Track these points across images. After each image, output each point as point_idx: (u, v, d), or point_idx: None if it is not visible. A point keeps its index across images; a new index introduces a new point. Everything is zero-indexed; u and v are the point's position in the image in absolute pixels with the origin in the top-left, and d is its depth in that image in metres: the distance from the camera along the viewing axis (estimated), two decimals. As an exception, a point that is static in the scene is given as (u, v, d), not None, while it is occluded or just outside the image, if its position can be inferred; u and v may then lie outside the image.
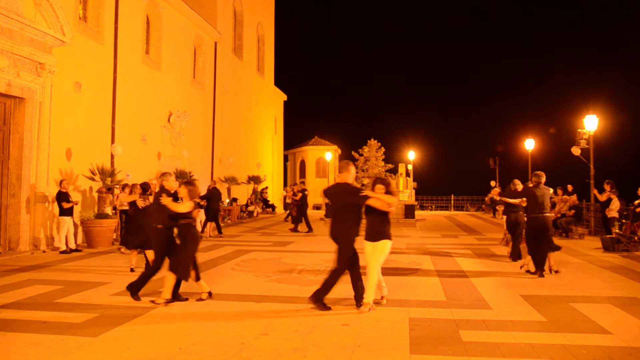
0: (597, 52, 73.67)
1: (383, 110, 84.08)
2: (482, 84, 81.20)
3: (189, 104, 19.69)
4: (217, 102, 22.76)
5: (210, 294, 6.37)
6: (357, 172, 26.49)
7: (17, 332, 4.96)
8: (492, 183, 25.65)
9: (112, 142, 14.41)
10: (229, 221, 19.62)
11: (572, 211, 14.32)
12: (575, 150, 15.07)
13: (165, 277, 6.11)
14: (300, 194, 16.07)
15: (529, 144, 23.79)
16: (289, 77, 66.68)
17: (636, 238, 11.00)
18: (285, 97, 35.74)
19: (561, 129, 33.68)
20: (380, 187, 5.80)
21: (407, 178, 34.71)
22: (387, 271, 8.43)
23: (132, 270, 8.24)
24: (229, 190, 22.44)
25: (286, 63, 77.12)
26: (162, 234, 6.39)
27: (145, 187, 8.67)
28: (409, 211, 22.27)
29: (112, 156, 14.18)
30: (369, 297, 5.73)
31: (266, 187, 26.63)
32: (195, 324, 5.25)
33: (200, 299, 6.28)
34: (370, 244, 5.87)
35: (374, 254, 5.83)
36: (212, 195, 14.36)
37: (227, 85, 23.90)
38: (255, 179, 24.29)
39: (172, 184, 6.82)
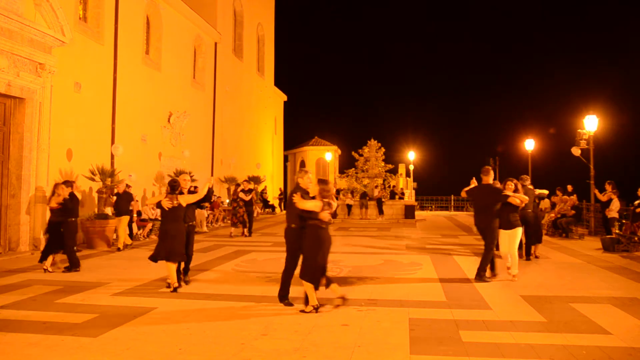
0: (597, 52, 73.74)
1: (383, 110, 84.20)
2: (482, 84, 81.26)
3: (189, 104, 19.69)
4: (217, 102, 22.77)
5: (344, 299, 5.76)
6: (357, 172, 26.53)
7: (17, 332, 4.96)
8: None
9: (112, 142, 14.41)
10: (229, 221, 19.59)
11: (573, 211, 14.32)
12: (575, 151, 15.07)
13: (305, 287, 5.69)
14: (250, 194, 14.52)
15: (529, 144, 23.80)
16: (289, 77, 66.74)
17: (636, 238, 11.00)
18: (285, 98, 35.76)
19: (561, 129, 33.74)
20: (510, 186, 7.62)
21: (407, 178, 34.75)
22: (387, 271, 8.45)
23: (173, 289, 6.81)
24: (228, 190, 22.45)
25: (286, 63, 77.19)
26: (293, 234, 5.86)
27: (174, 186, 7.08)
28: (409, 211, 22.30)
29: (112, 156, 14.18)
30: (514, 270, 7.56)
31: (265, 187, 26.63)
32: (195, 324, 5.25)
33: (337, 306, 5.73)
34: (506, 232, 7.56)
35: (510, 239, 7.57)
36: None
37: (227, 85, 23.91)
38: (255, 180, 24.29)
39: (306, 181, 6.05)
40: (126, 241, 11.59)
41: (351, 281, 7.57)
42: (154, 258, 6.96)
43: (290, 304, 5.93)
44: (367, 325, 5.22)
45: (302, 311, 5.66)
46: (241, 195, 14.35)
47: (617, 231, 11.80)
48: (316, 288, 5.68)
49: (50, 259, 8.42)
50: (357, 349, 4.47)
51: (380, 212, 22.37)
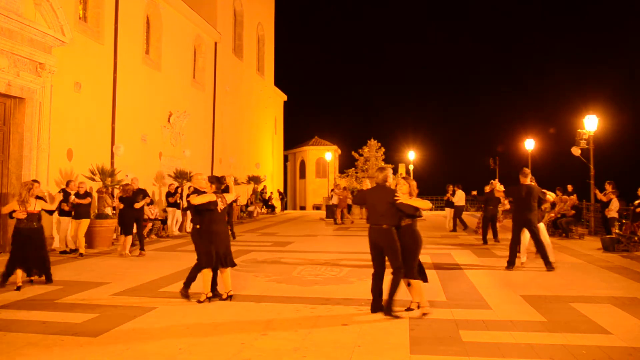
0: (597, 52, 73.73)
1: (383, 110, 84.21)
2: (482, 84, 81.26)
3: (189, 104, 19.69)
4: (217, 102, 22.77)
5: (418, 305, 5.61)
6: (357, 172, 26.55)
7: (17, 332, 4.96)
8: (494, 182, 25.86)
9: (112, 142, 14.41)
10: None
11: (573, 211, 14.32)
12: (575, 151, 15.07)
13: (413, 286, 5.60)
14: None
15: (529, 144, 23.81)
16: (289, 77, 66.77)
17: (636, 238, 10.99)
18: (285, 97, 35.77)
19: (561, 129, 33.75)
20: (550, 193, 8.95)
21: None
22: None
23: (207, 299, 6.21)
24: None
25: (286, 63, 77.20)
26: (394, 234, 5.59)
27: (221, 181, 6.49)
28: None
29: (112, 156, 14.18)
30: (552, 258, 8.54)
31: (265, 187, 26.62)
32: (195, 324, 5.25)
33: (409, 309, 5.62)
34: (539, 226, 8.66)
35: (542, 232, 8.70)
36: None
37: (227, 85, 23.91)
38: (255, 179, 24.30)
39: (391, 179, 5.86)
40: (81, 250, 10.39)
41: (351, 281, 7.57)
42: (208, 265, 6.14)
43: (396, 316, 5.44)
44: (367, 325, 5.22)
45: (424, 314, 5.42)
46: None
47: (617, 231, 11.80)
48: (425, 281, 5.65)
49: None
50: (357, 349, 4.47)
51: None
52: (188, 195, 6.75)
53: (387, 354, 4.36)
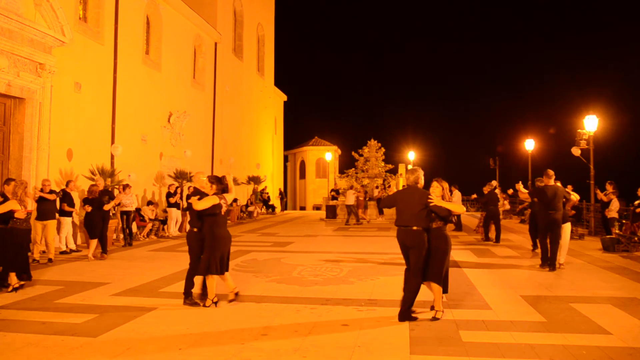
0: (596, 52, 73.75)
1: (383, 110, 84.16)
2: (482, 84, 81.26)
3: (189, 105, 19.70)
4: (217, 102, 22.76)
5: (432, 307, 5.59)
6: (357, 172, 26.54)
7: (17, 332, 4.96)
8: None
9: (112, 142, 14.41)
10: (229, 222, 19.60)
11: (573, 211, 14.31)
12: (576, 151, 15.06)
13: (433, 290, 5.55)
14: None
15: (529, 145, 23.78)
16: (289, 77, 66.78)
17: (636, 238, 10.99)
18: (285, 98, 35.77)
19: (561, 130, 33.73)
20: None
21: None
22: (387, 271, 8.45)
23: (214, 303, 6.03)
24: (228, 190, 22.43)
25: (286, 63, 77.22)
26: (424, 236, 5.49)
27: (222, 181, 6.21)
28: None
29: (112, 156, 14.18)
30: (562, 259, 8.80)
31: (265, 187, 26.63)
32: (196, 324, 5.25)
33: (435, 318, 5.48)
34: (563, 226, 8.76)
35: (565, 232, 8.84)
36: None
37: (227, 85, 23.90)
38: (255, 180, 24.29)
39: (422, 181, 5.78)
40: (49, 255, 9.70)
41: (351, 281, 7.57)
42: (215, 272, 5.94)
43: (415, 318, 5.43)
44: (367, 325, 5.22)
45: (435, 319, 5.39)
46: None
47: (617, 231, 11.80)
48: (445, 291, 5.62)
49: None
50: (357, 349, 4.47)
51: (380, 212, 22.35)
52: (188, 197, 6.43)
53: (387, 354, 4.36)
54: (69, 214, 10.87)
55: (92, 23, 14.09)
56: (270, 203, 26.85)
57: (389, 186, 26.45)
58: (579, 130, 15.08)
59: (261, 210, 25.27)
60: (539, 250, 9.49)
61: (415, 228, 5.43)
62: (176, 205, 14.73)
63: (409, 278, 5.48)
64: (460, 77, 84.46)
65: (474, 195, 15.89)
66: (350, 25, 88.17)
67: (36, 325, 5.21)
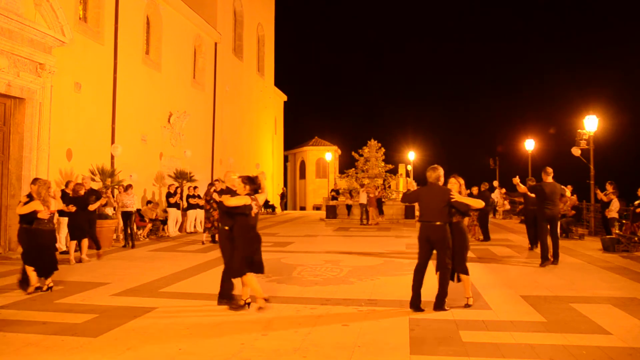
0: (596, 52, 73.74)
1: (383, 110, 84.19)
2: (482, 85, 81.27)
3: (189, 105, 19.70)
4: (217, 102, 22.76)
5: (466, 304, 5.90)
6: (357, 172, 26.54)
7: (17, 332, 4.96)
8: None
9: (112, 142, 14.41)
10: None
11: (573, 211, 14.31)
12: (576, 151, 15.06)
13: (462, 280, 5.96)
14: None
15: (529, 145, 23.78)
16: (289, 77, 66.79)
17: (636, 238, 10.99)
18: (285, 98, 35.77)
19: (561, 130, 33.70)
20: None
21: (407, 178, 34.73)
22: (387, 271, 8.45)
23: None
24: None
25: (286, 63, 77.23)
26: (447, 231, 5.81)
27: (254, 181, 6.08)
28: (409, 211, 22.27)
29: (112, 156, 14.18)
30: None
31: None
32: (195, 324, 5.25)
33: (467, 305, 5.87)
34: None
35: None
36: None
37: (227, 85, 23.90)
38: (255, 180, 24.24)
39: (443, 178, 6.04)
40: None
41: (351, 281, 7.57)
42: (246, 271, 5.77)
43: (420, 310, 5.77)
44: (367, 325, 5.21)
45: (468, 305, 5.86)
46: (215, 196, 12.86)
47: (617, 231, 11.80)
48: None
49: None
50: (357, 349, 4.47)
51: (380, 212, 22.35)
52: (220, 194, 6.15)
53: (387, 355, 4.35)
54: (69, 214, 10.85)
55: (92, 23, 14.09)
56: (270, 203, 26.85)
57: (389, 186, 26.49)
58: (579, 130, 15.08)
59: (261, 210, 25.26)
60: (538, 250, 9.58)
61: (438, 223, 5.75)
62: (176, 205, 14.73)
63: (444, 272, 5.82)
64: (460, 77, 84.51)
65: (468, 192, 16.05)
66: (350, 25, 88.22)
67: (36, 325, 5.20)
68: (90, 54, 13.64)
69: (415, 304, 5.75)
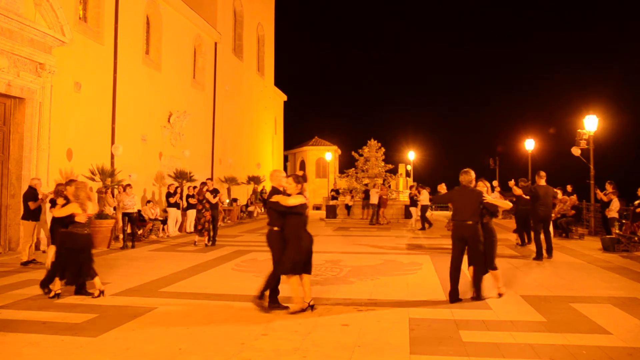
0: (596, 52, 73.74)
1: (383, 110, 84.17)
2: (482, 85, 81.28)
3: (189, 104, 19.69)
4: (217, 102, 22.76)
5: (499, 293, 6.46)
6: (357, 172, 26.54)
7: (17, 332, 4.96)
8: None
9: (112, 142, 14.41)
10: (230, 222, 19.62)
11: (573, 211, 14.31)
12: (575, 151, 15.06)
13: (492, 275, 6.47)
14: (217, 196, 12.45)
15: (529, 144, 23.78)
16: (289, 77, 66.79)
17: (636, 238, 10.99)
18: (285, 98, 35.77)
19: (561, 129, 33.74)
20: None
21: (407, 178, 34.76)
22: (387, 271, 8.45)
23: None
24: (229, 190, 22.45)
25: (286, 63, 77.23)
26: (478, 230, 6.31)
27: (301, 180, 5.91)
28: (409, 211, 22.28)
29: (112, 156, 14.18)
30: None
31: (264, 187, 26.62)
32: (196, 324, 5.24)
33: (500, 294, 6.45)
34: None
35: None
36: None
37: (227, 85, 23.90)
38: (255, 179, 24.29)
39: (474, 182, 6.56)
40: (23, 257, 9.35)
41: (351, 281, 7.57)
42: (293, 272, 5.69)
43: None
44: (367, 325, 5.21)
45: (500, 295, 6.39)
46: (207, 196, 11.97)
47: (617, 231, 11.79)
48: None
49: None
50: (357, 349, 4.46)
51: (380, 211, 22.34)
52: (270, 195, 5.89)
53: (387, 354, 4.35)
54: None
55: (92, 23, 14.09)
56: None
57: (389, 186, 26.49)
58: (579, 130, 15.08)
59: (261, 210, 25.25)
60: (533, 247, 10.06)
61: (470, 222, 6.21)
62: (176, 205, 14.72)
63: (478, 268, 6.28)
64: (461, 77, 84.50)
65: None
66: (350, 25, 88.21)
67: (36, 325, 5.20)
68: (90, 54, 13.64)
69: (454, 296, 6.20)
